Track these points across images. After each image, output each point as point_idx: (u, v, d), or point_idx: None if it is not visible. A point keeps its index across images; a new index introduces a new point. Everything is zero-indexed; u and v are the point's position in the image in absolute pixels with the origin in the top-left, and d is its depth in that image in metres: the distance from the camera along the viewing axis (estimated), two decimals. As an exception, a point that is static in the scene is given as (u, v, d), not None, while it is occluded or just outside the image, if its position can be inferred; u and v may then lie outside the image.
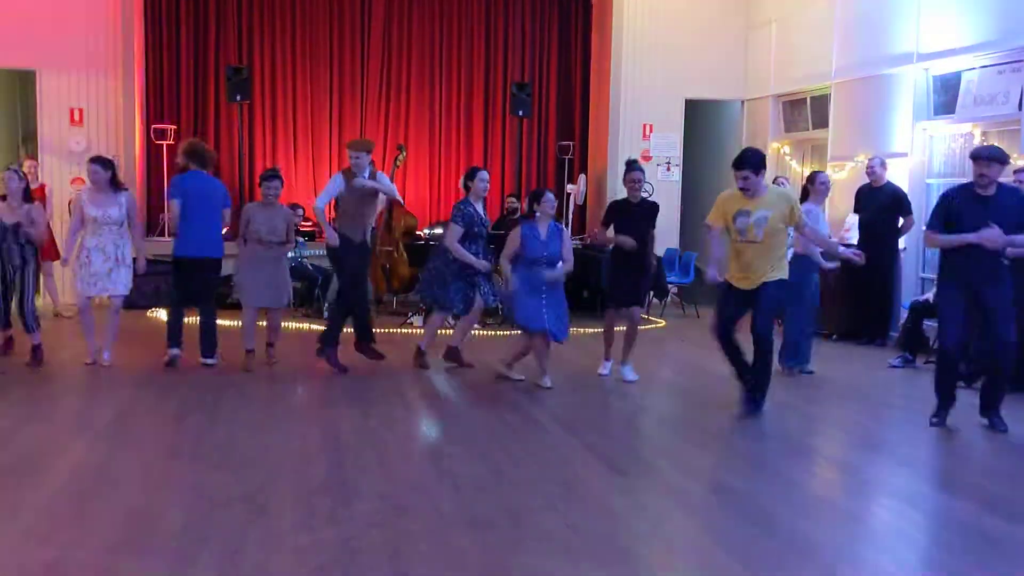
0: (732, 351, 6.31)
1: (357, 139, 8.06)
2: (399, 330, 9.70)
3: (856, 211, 9.69)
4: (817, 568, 3.89)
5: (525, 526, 4.22)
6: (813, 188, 7.89)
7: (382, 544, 3.96)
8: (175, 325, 7.46)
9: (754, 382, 6.27)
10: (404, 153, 11.45)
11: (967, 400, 7.07)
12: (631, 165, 7.44)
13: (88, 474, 4.90)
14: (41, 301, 9.40)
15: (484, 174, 7.62)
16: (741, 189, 6.24)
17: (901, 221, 9.28)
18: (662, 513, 4.54)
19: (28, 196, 7.45)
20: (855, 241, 9.95)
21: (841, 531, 4.38)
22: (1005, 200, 5.92)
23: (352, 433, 5.81)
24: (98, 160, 7.30)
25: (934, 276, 8.29)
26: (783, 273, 6.28)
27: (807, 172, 11.69)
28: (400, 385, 7.15)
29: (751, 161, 6.22)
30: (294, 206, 11.54)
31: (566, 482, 4.91)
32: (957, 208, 5.99)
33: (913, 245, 9.56)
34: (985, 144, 6.34)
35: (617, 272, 7.43)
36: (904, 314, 9.27)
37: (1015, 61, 8.32)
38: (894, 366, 8.27)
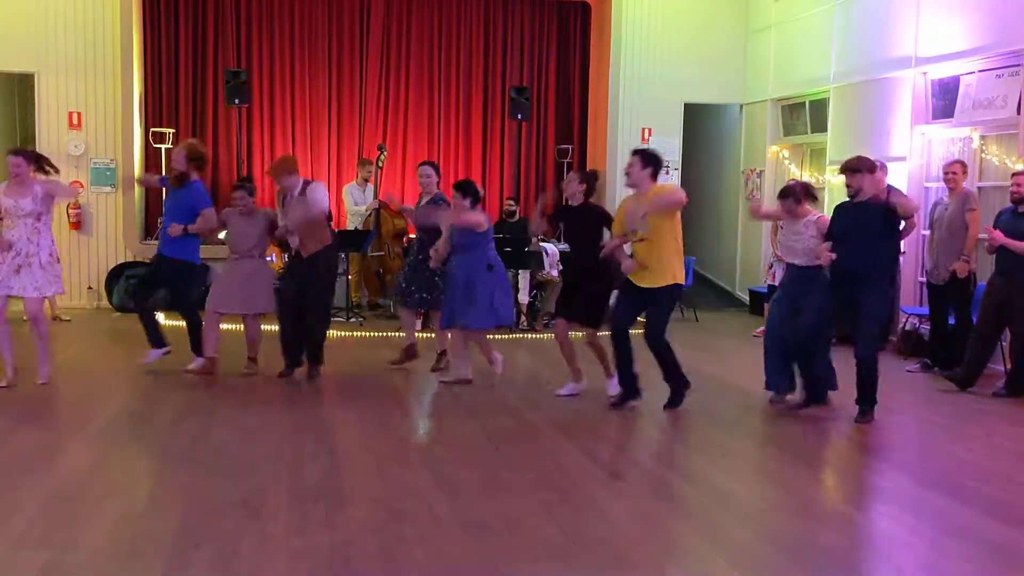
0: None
1: (272, 164, 7.58)
2: (395, 334, 9.68)
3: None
4: (815, 574, 3.87)
5: (521, 532, 4.20)
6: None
7: (377, 549, 3.95)
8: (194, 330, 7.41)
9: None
10: (384, 153, 11.45)
11: (966, 405, 7.06)
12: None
13: (83, 477, 4.88)
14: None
15: (421, 168, 7.71)
16: (626, 174, 6.43)
17: (903, 225, 9.24)
18: (659, 518, 4.52)
19: None
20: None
21: (839, 536, 4.36)
22: (872, 209, 6.29)
23: (347, 438, 5.80)
24: (18, 152, 6.74)
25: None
26: (680, 277, 6.38)
27: (806, 176, 11.72)
28: (396, 389, 7.13)
29: (644, 153, 6.42)
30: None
31: (562, 487, 4.89)
32: (837, 218, 6.43)
33: (912, 249, 9.55)
34: (860, 156, 6.64)
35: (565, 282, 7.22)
36: (903, 318, 9.27)
37: (1013, 65, 8.32)
38: (912, 372, 8.26)
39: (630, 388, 6.58)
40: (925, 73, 9.44)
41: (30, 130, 11.87)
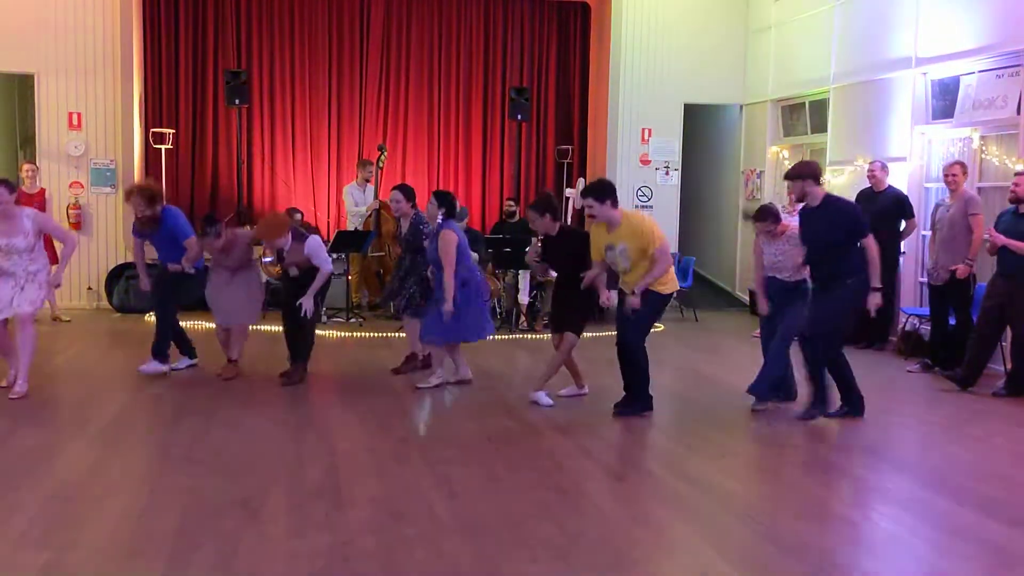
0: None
1: (263, 228, 7.29)
2: (395, 335, 9.68)
3: (857, 215, 9.68)
4: (815, 574, 3.86)
5: (521, 533, 4.20)
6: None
7: (376, 550, 3.95)
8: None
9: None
10: (385, 153, 11.47)
11: (966, 405, 7.06)
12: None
13: (83, 478, 4.88)
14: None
15: (392, 192, 7.70)
16: (590, 216, 6.33)
17: (903, 225, 9.26)
18: (660, 519, 4.52)
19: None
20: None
21: (840, 537, 4.36)
22: (823, 213, 6.26)
23: (347, 438, 5.80)
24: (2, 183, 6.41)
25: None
26: (664, 287, 6.28)
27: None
28: (396, 390, 7.13)
29: (593, 189, 6.33)
30: (293, 210, 11.55)
31: (563, 488, 4.89)
32: (803, 224, 6.43)
33: (913, 249, 9.54)
34: (805, 161, 6.71)
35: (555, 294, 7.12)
36: (903, 318, 9.27)
37: (1013, 65, 8.31)
38: (912, 372, 8.26)
39: (645, 398, 6.48)
40: (925, 73, 9.44)
41: (30, 131, 11.87)
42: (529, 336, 9.97)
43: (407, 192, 7.60)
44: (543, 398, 6.64)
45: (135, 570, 3.72)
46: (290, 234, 7.08)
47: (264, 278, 7.69)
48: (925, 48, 9.33)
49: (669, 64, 12.47)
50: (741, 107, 12.93)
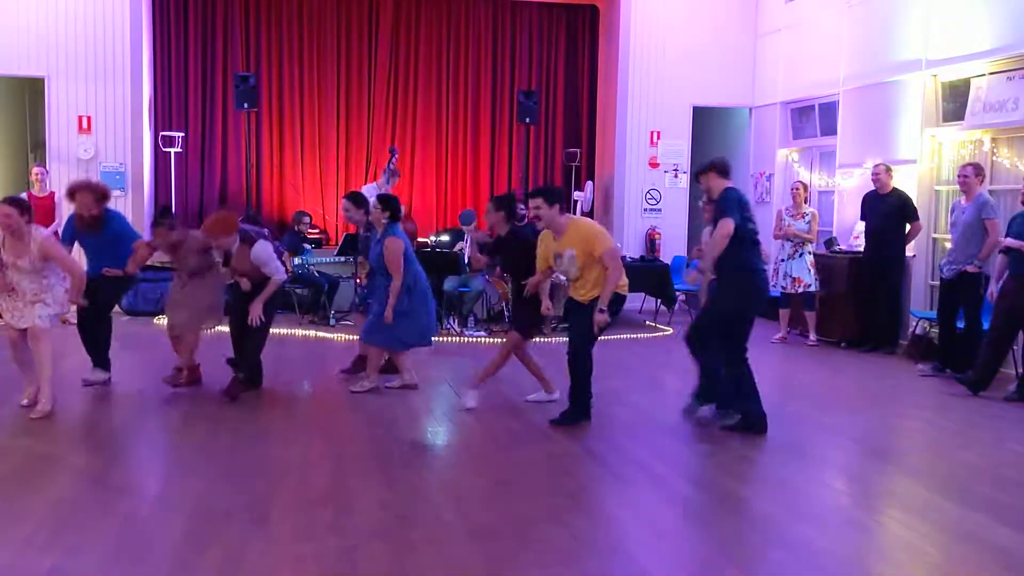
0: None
1: (211, 224, 6.82)
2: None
3: (862, 218, 9.66)
4: (824, 580, 3.84)
5: (528, 536, 4.18)
6: None
7: (384, 554, 3.93)
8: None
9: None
10: (396, 155, 11.47)
11: (977, 409, 7.01)
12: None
13: (89, 482, 4.88)
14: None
15: (343, 201, 7.69)
16: (535, 217, 6.23)
17: (908, 227, 9.23)
18: (668, 523, 4.49)
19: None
20: (863, 248, 9.91)
21: (849, 542, 4.32)
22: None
23: (354, 442, 5.79)
24: (10, 202, 6.14)
25: (936, 283, 8.27)
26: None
27: (815, 179, 11.67)
28: (403, 394, 7.11)
29: (542, 191, 6.31)
30: (301, 213, 11.56)
31: (570, 492, 4.87)
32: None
33: (922, 251, 9.50)
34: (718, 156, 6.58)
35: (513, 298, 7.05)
36: (913, 322, 9.22)
37: (1024, 67, 8.27)
38: (924, 375, 8.21)
39: (582, 407, 6.23)
40: (935, 76, 9.39)
41: (40, 134, 11.92)
42: (536, 340, 9.94)
43: (359, 200, 7.54)
44: (469, 399, 6.53)
45: (141, 575, 3.72)
46: (237, 236, 6.61)
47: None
48: (935, 50, 9.28)
49: (678, 67, 12.45)
50: (750, 109, 12.90)
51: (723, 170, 6.19)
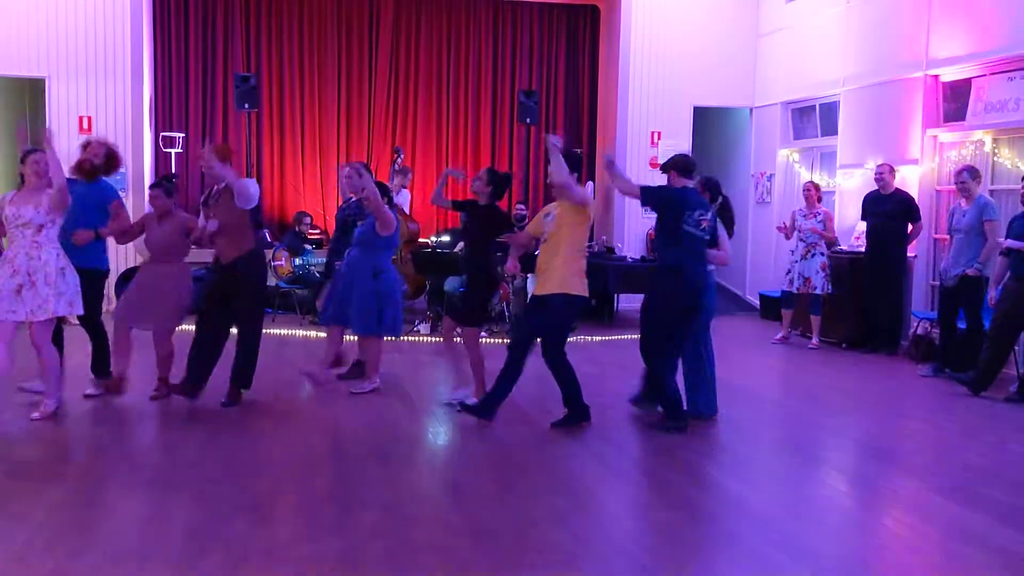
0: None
1: (208, 146, 6.52)
2: (405, 338, 9.67)
3: (863, 217, 9.65)
4: (827, 581, 3.83)
5: (531, 537, 4.17)
6: None
7: (386, 554, 3.93)
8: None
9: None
10: (400, 156, 11.47)
11: (979, 410, 7.01)
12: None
13: (90, 484, 4.87)
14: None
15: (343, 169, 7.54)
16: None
17: (910, 228, 9.24)
18: (672, 525, 4.48)
19: None
20: (864, 249, 9.91)
21: (853, 544, 4.32)
22: None
23: (356, 443, 5.78)
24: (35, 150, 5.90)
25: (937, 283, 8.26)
26: (576, 288, 6.01)
27: (816, 180, 11.70)
28: (405, 394, 7.11)
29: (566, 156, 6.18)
30: (302, 214, 11.56)
31: (573, 493, 4.87)
32: None
33: (924, 252, 9.50)
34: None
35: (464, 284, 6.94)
36: (914, 322, 9.22)
37: (1026, 68, 8.27)
38: (924, 376, 8.21)
39: (487, 406, 6.15)
40: (936, 76, 9.39)
41: (40, 134, 11.89)
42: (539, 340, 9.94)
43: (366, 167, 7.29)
44: (469, 397, 6.48)
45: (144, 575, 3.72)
46: (229, 171, 6.19)
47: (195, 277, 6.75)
48: (936, 50, 9.28)
49: (679, 67, 12.45)
50: (751, 110, 12.90)
51: (684, 169, 6.21)
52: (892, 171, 9.32)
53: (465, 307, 6.58)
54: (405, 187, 11.33)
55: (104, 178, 6.65)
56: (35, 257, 5.64)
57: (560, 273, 5.97)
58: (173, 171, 11.78)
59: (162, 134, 11.92)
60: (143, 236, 6.74)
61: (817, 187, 10.08)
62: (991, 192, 8.60)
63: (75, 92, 11.26)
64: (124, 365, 6.54)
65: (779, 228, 10.07)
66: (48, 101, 11.31)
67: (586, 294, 6.11)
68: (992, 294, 7.52)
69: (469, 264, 6.67)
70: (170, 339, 6.55)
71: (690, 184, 6.17)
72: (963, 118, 9.04)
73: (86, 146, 6.62)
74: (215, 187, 6.41)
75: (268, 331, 8.68)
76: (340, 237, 7.71)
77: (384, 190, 6.98)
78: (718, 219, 6.51)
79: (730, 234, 6.72)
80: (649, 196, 6.10)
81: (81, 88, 11.27)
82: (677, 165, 6.22)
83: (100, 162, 6.47)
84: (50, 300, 5.65)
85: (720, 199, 6.75)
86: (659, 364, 6.13)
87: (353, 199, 7.55)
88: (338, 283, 7.06)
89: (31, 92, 12.49)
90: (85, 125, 11.34)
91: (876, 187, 9.42)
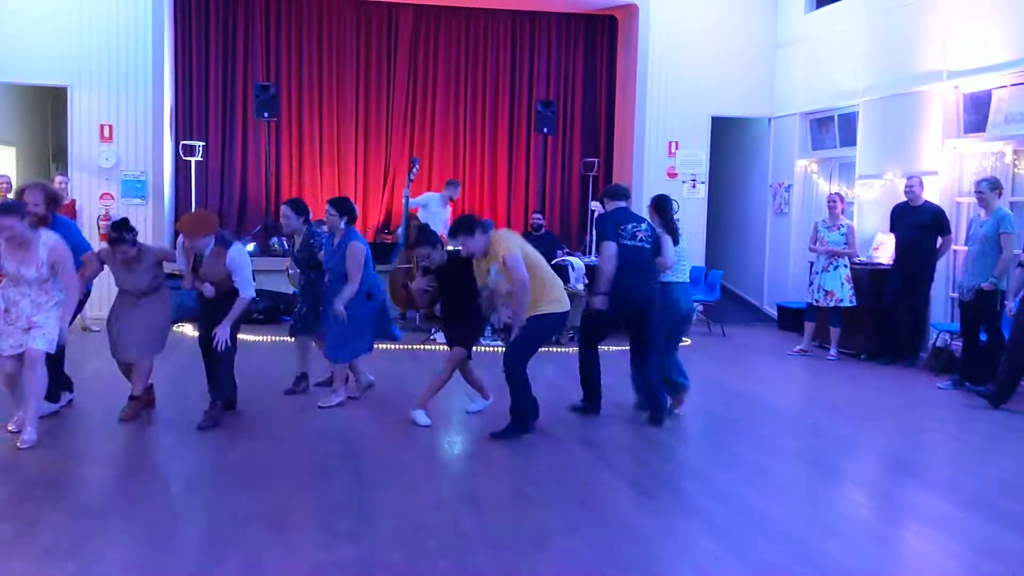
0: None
1: (187, 222, 6.31)
2: (422, 346, 9.69)
3: (892, 230, 9.55)
4: (845, 594, 3.80)
5: (547, 548, 4.16)
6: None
7: (401, 563, 3.93)
8: None
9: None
10: (417, 166, 11.51)
11: (998, 422, 6.94)
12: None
13: (108, 490, 4.90)
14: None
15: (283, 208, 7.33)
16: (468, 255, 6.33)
17: (939, 240, 9.13)
18: (688, 535, 4.46)
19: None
20: (885, 260, 9.84)
21: (872, 557, 4.28)
22: None
23: (372, 451, 5.79)
24: (6, 212, 5.52)
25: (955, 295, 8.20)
26: (548, 307, 6.07)
27: (834, 191, 11.64)
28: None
29: (456, 229, 6.26)
30: (319, 223, 11.58)
31: (589, 503, 4.85)
32: None
33: (943, 264, 9.42)
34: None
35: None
36: (934, 334, 9.14)
37: (1047, 78, 8.21)
38: (942, 388, 8.14)
39: (524, 420, 6.14)
40: (956, 87, 9.34)
41: (62, 142, 12.03)
42: (554, 349, 9.93)
43: (297, 207, 7.20)
44: (421, 417, 6.38)
45: (160, 581, 3.73)
46: (213, 236, 6.13)
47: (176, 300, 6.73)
48: (956, 61, 9.23)
49: (696, 76, 12.44)
50: (769, 120, 12.86)
51: (613, 195, 6.84)
52: (922, 184, 9.23)
53: (464, 327, 6.51)
54: (454, 199, 11.35)
55: (60, 223, 6.19)
56: (41, 303, 5.65)
57: (536, 299, 6.00)
58: (192, 182, 11.86)
59: (182, 142, 12.00)
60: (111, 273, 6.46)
61: (842, 199, 10.00)
62: (1011, 204, 8.53)
63: (97, 101, 11.37)
64: (137, 388, 6.40)
65: (811, 248, 9.91)
66: (70, 109, 11.41)
67: (563, 309, 6.18)
68: (1010, 305, 7.46)
69: (459, 307, 6.54)
70: (142, 366, 6.38)
71: (622, 205, 6.73)
72: (983, 129, 8.98)
73: (21, 193, 6.14)
74: (203, 253, 6.22)
75: (282, 339, 8.70)
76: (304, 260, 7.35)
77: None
78: (664, 229, 6.83)
79: (676, 242, 6.89)
80: (598, 231, 6.69)
81: (103, 97, 11.37)
82: (608, 192, 6.99)
83: (43, 210, 6.04)
84: (51, 332, 5.62)
85: (674, 211, 7.09)
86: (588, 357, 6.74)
87: (298, 242, 7.28)
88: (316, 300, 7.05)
89: (54, 101, 12.63)
90: (106, 133, 11.45)
91: (905, 199, 9.33)
